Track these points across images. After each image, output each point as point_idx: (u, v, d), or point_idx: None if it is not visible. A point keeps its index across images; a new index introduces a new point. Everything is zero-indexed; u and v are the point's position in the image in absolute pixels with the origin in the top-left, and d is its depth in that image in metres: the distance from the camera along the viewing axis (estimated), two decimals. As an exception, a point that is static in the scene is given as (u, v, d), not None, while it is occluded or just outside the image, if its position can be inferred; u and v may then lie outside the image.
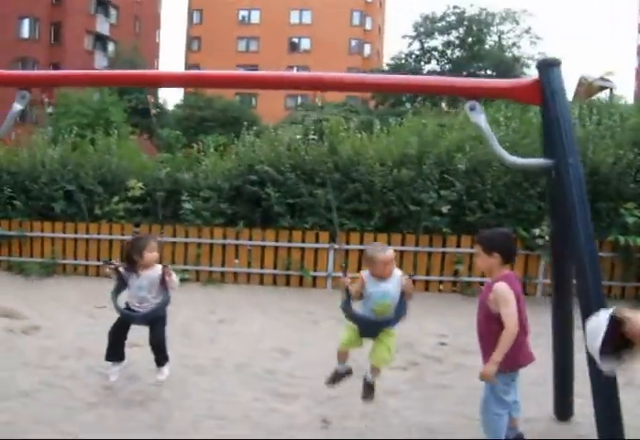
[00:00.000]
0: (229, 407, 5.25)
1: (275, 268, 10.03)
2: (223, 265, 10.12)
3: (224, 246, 10.08)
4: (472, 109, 4.05)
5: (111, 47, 54.47)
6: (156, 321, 5.22)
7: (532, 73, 35.27)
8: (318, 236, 9.89)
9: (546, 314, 9.13)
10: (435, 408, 5.36)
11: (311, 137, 10.71)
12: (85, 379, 5.70)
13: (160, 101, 42.92)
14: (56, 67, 43.02)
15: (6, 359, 6.15)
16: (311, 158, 10.07)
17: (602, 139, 9.65)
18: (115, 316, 5.29)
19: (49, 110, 25.62)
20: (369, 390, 5.09)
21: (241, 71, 6.06)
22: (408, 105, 46.02)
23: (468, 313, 8.84)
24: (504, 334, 3.86)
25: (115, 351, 5.26)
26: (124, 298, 5.26)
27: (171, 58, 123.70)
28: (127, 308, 5.23)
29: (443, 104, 17.68)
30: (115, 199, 10.08)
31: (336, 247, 9.70)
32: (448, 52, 54.09)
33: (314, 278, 9.94)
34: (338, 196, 9.78)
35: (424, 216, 9.47)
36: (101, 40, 54.43)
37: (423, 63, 54.65)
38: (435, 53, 54.40)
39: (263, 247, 10.01)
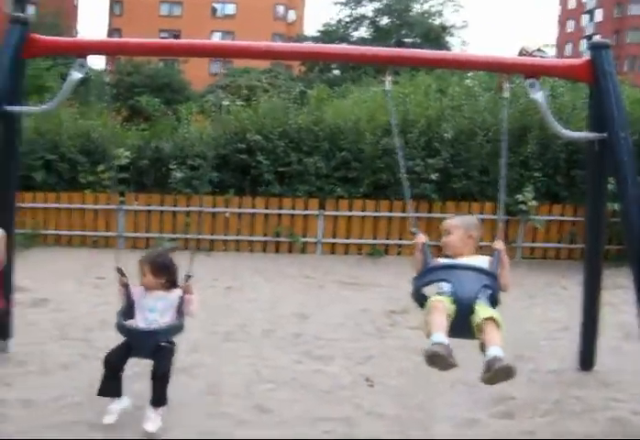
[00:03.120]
0: (274, 371, 5.44)
1: (265, 235, 10.19)
2: (212, 233, 10.20)
3: (213, 214, 10.14)
4: (532, 86, 4.32)
5: (30, 10, 51.88)
6: (163, 348, 4.26)
7: (454, 41, 36.59)
8: (307, 203, 10.08)
9: (530, 276, 9.69)
10: (470, 364, 5.67)
11: (289, 105, 10.79)
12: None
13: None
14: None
15: (30, 333, 6.04)
16: (296, 126, 10.19)
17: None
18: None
19: None
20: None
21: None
22: (337, 72, 46.14)
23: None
24: None
25: (111, 384, 4.29)
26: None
27: (92, 22, 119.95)
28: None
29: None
30: (101, 167, 9.96)
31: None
32: (377, 20, 54.41)
33: (304, 244, 10.15)
34: (327, 164, 9.98)
35: (413, 183, 9.78)
36: (20, 2, 51.77)
37: (351, 30, 54.93)
38: (366, 21, 54.73)
39: (253, 215, 10.13)
